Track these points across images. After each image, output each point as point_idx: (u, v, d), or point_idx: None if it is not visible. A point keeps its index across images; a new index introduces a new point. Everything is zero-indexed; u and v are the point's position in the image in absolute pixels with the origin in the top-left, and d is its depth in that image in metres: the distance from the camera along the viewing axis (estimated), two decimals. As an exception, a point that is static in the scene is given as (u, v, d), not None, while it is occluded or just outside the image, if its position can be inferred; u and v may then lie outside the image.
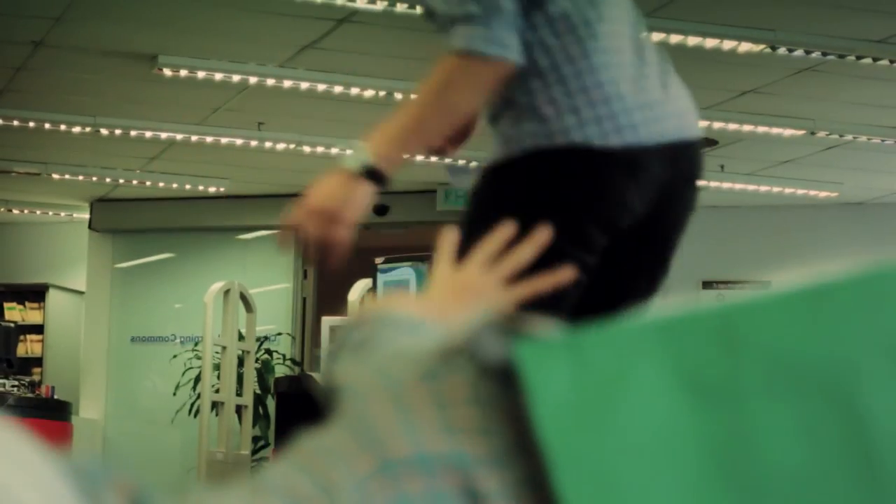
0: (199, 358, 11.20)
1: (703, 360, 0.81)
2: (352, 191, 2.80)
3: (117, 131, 10.90)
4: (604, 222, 2.79)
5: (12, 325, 13.43)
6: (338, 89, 9.47)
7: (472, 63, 2.74)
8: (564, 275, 1.61)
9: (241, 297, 10.33)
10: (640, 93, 2.84)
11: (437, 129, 2.82)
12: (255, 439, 11.74)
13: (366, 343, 1.10)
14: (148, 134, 11.03)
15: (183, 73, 9.15)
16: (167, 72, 9.13)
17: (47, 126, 10.80)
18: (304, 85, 9.38)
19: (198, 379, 11.20)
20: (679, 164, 2.97)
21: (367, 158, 2.82)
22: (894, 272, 0.90)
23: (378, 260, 9.61)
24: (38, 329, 15.41)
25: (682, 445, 0.79)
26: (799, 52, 8.25)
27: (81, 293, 15.04)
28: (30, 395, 12.00)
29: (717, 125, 10.20)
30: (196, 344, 12.09)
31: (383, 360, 0.94)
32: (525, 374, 0.80)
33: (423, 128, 2.84)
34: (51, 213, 15.13)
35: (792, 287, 0.85)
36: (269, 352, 13.18)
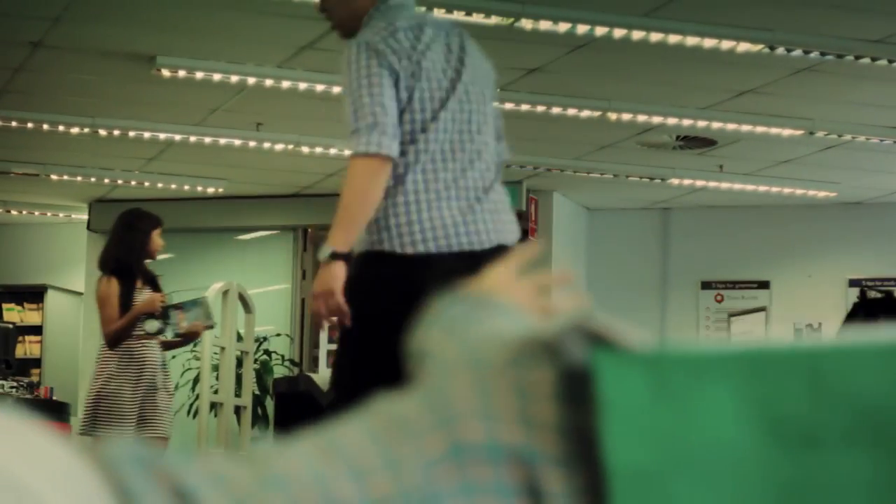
0: (197, 359, 11.20)
1: (785, 398, 0.79)
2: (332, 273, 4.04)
3: (116, 132, 10.89)
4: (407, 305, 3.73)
5: (11, 325, 13.40)
6: (336, 90, 9.46)
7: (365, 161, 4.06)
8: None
9: (240, 298, 10.32)
10: (452, 213, 4.07)
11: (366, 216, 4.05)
12: (254, 440, 11.73)
13: (460, 318, 1.10)
14: (146, 134, 11.02)
15: (181, 73, 9.15)
16: (166, 72, 9.13)
17: (46, 127, 10.80)
18: (303, 85, 9.38)
19: (196, 380, 11.19)
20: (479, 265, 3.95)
21: (330, 249, 4.05)
22: None
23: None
24: (36, 330, 15.41)
25: (749, 480, 0.77)
26: (797, 52, 8.24)
27: (80, 294, 15.03)
28: (28, 396, 11.98)
29: (715, 125, 10.20)
30: (195, 344, 12.07)
31: (472, 338, 0.94)
32: (601, 383, 0.80)
33: (355, 222, 4.07)
34: (49, 213, 15.12)
35: (884, 336, 0.81)
36: (267, 352, 13.18)
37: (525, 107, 9.79)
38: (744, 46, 8.16)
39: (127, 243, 7.89)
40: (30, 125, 10.78)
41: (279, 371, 12.94)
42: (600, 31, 7.96)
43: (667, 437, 0.78)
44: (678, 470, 0.77)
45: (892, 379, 0.79)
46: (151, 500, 0.72)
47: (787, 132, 10.33)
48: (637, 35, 7.99)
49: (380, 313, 3.96)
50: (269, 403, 11.83)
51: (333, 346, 9.93)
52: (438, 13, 7.57)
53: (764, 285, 13.44)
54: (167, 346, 8.11)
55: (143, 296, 7.86)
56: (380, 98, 4.11)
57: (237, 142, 11.17)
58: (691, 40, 8.08)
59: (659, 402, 0.79)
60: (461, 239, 4.04)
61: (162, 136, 11.09)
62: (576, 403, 0.81)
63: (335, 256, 4.03)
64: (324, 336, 9.67)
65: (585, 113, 9.92)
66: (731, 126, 10.22)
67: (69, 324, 15.27)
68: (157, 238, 8.02)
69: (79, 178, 12.87)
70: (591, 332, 0.83)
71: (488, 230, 4.08)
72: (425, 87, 4.13)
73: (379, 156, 4.01)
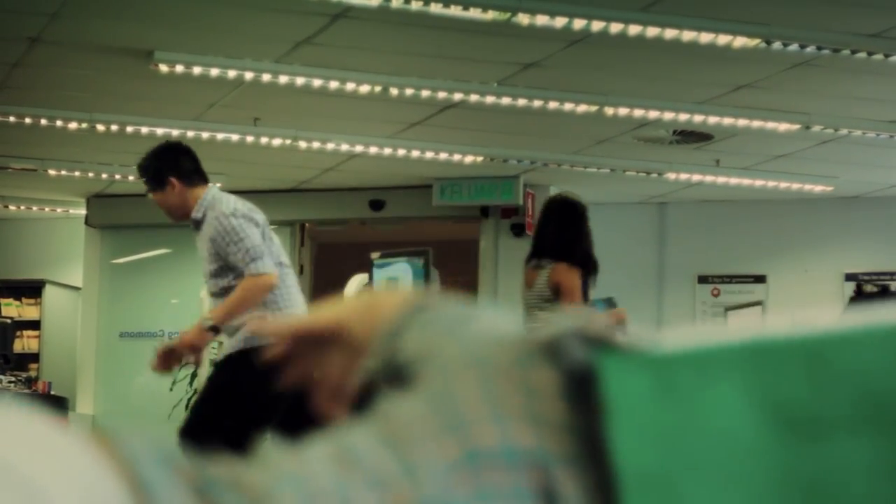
0: (195, 353, 11.20)
1: (790, 389, 0.78)
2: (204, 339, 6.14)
3: (114, 127, 10.89)
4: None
5: (9, 320, 13.43)
6: (333, 85, 9.47)
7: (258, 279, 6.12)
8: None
9: (238, 293, 10.32)
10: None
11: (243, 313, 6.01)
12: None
13: (455, 320, 1.09)
14: (144, 130, 11.02)
15: (179, 68, 9.15)
16: (163, 68, 9.13)
17: (44, 122, 10.80)
18: (300, 80, 9.38)
19: (194, 374, 11.21)
20: None
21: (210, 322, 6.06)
22: None
23: (374, 255, 9.61)
24: (34, 325, 15.41)
25: (760, 477, 0.76)
26: (794, 47, 8.25)
27: (78, 289, 15.04)
28: (26, 390, 12.00)
29: (712, 120, 10.21)
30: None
31: (470, 339, 0.93)
32: (605, 385, 0.78)
33: (237, 313, 6.02)
34: (47, 209, 15.12)
35: (886, 317, 0.80)
36: (265, 347, 13.17)
37: (522, 101, 9.80)
38: (740, 41, 8.16)
39: (587, 234, 7.74)
40: (28, 120, 10.78)
41: (277, 366, 12.93)
42: (597, 25, 7.97)
43: (675, 438, 0.77)
44: (688, 470, 0.76)
45: (894, 362, 0.78)
46: (171, 496, 0.71)
47: (783, 126, 10.34)
48: (634, 30, 7.99)
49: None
50: (267, 398, 11.83)
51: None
52: (435, 7, 7.58)
53: (760, 279, 13.45)
54: None
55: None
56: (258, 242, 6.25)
57: (235, 137, 11.18)
58: (688, 35, 8.08)
59: (664, 402, 0.78)
60: None
61: (160, 131, 11.08)
62: (580, 405, 0.79)
63: (212, 329, 6.07)
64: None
65: (582, 107, 9.93)
66: (727, 121, 10.23)
67: (67, 319, 15.27)
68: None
69: (77, 174, 12.87)
70: (592, 336, 0.82)
71: None
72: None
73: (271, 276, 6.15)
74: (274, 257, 6.25)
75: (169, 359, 5.98)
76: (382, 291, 1.38)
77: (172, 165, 6.75)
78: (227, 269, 6.27)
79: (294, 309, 6.22)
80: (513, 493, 0.76)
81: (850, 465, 0.76)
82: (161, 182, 6.67)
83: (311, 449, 0.80)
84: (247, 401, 6.01)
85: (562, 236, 7.44)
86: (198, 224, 6.45)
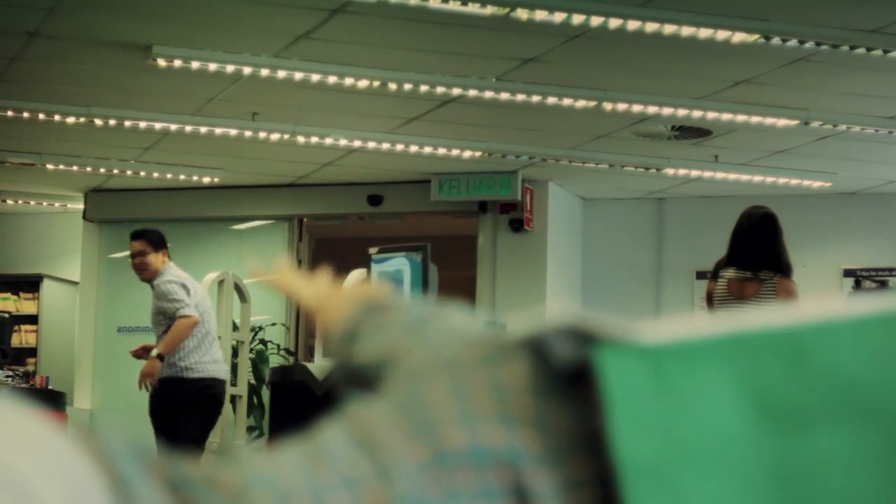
0: (193, 348, 11.19)
1: (773, 380, 0.80)
2: (156, 366, 8.53)
3: (111, 121, 10.89)
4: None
5: (6, 315, 13.40)
6: (332, 79, 9.46)
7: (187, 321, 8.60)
8: None
9: (236, 288, 10.33)
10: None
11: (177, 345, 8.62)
12: (250, 429, 11.74)
13: (418, 321, 1.10)
14: (142, 124, 11.02)
15: (177, 63, 9.14)
16: (161, 62, 9.12)
17: (41, 116, 10.79)
18: (298, 75, 9.37)
19: (192, 369, 11.19)
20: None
21: (158, 352, 8.54)
22: None
23: (372, 250, 9.59)
24: (32, 319, 15.41)
25: (750, 465, 0.78)
26: (792, 42, 8.24)
27: (76, 283, 15.03)
28: (24, 385, 11.99)
29: (710, 115, 10.20)
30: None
31: (438, 339, 0.94)
32: (604, 378, 0.80)
33: (174, 346, 8.52)
34: (45, 203, 15.12)
35: (868, 310, 0.83)
36: (263, 342, 13.18)
37: (520, 97, 9.79)
38: (739, 36, 8.16)
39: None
40: (26, 115, 10.77)
41: (275, 360, 12.94)
42: (596, 20, 7.96)
43: (668, 428, 0.79)
44: (682, 460, 0.78)
45: (871, 352, 0.80)
46: (147, 492, 0.73)
47: (781, 122, 10.33)
48: (632, 25, 7.99)
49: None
50: (265, 393, 11.84)
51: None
52: (434, 2, 7.57)
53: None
54: None
55: None
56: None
57: (233, 131, 11.17)
58: (687, 30, 8.08)
59: (659, 393, 0.80)
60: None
61: (158, 125, 11.08)
62: (561, 400, 0.81)
63: (159, 357, 8.40)
64: (319, 326, 9.67)
65: (581, 103, 9.92)
66: (726, 116, 10.23)
67: (65, 313, 15.27)
68: None
69: (75, 168, 12.86)
70: (583, 330, 0.83)
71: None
72: None
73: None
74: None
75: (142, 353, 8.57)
76: (340, 288, 1.39)
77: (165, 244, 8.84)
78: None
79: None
80: (481, 493, 0.78)
81: (830, 455, 0.78)
82: (158, 246, 8.70)
83: (285, 449, 0.81)
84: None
85: (780, 250, 7.34)
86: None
